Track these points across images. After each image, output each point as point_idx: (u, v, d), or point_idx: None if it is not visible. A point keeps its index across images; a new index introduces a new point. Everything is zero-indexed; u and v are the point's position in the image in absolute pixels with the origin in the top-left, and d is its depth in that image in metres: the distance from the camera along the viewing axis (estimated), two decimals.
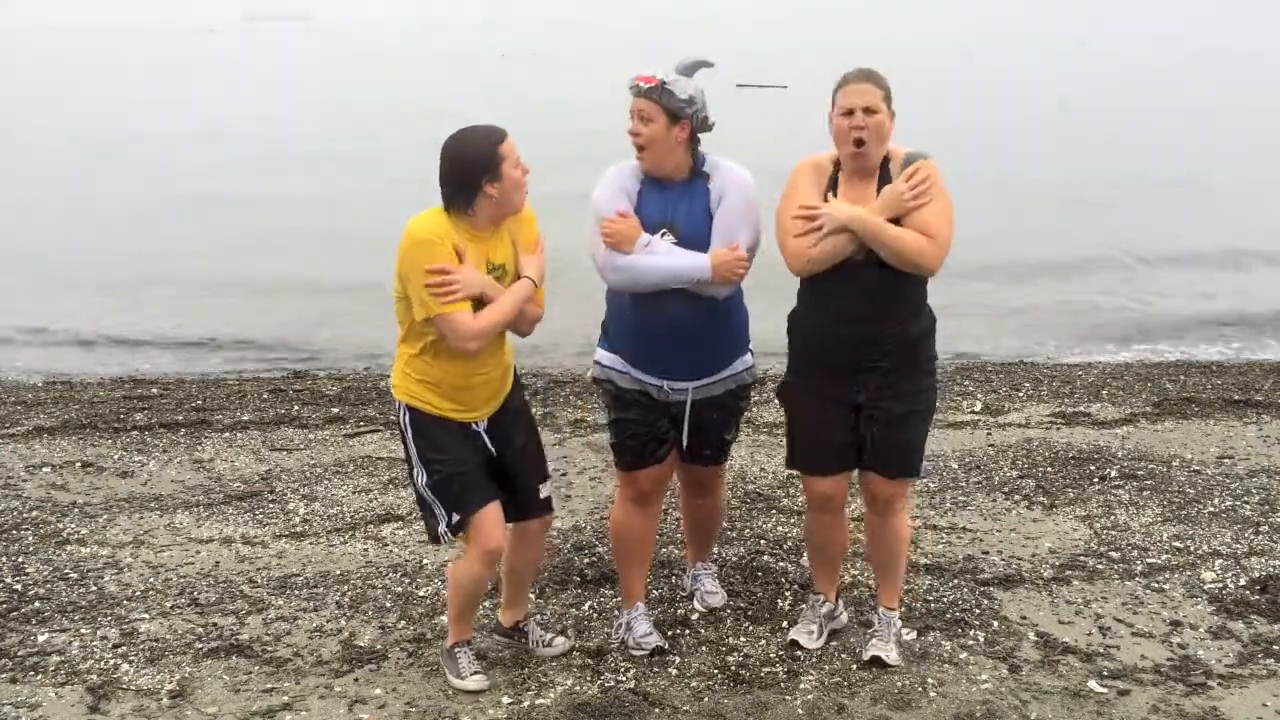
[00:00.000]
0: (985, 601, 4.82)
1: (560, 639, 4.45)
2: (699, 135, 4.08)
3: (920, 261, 3.89)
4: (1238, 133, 22.16)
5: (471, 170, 3.80)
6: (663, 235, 4.06)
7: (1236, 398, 7.99)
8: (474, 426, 4.04)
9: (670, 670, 4.28)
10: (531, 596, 4.83)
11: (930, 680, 4.19)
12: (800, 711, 3.99)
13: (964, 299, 11.18)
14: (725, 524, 5.25)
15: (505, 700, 4.09)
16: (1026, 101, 25.55)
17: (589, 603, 4.85)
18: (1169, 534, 5.54)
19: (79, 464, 6.74)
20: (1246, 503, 5.93)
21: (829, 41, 39.37)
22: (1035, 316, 11.34)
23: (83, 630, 4.64)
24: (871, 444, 4.14)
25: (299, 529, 5.75)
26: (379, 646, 4.50)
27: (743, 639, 4.52)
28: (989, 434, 7.15)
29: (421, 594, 4.95)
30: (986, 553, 5.33)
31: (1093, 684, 4.19)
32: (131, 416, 7.77)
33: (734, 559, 5.23)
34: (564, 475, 6.38)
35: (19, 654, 4.45)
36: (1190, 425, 7.32)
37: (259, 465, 6.75)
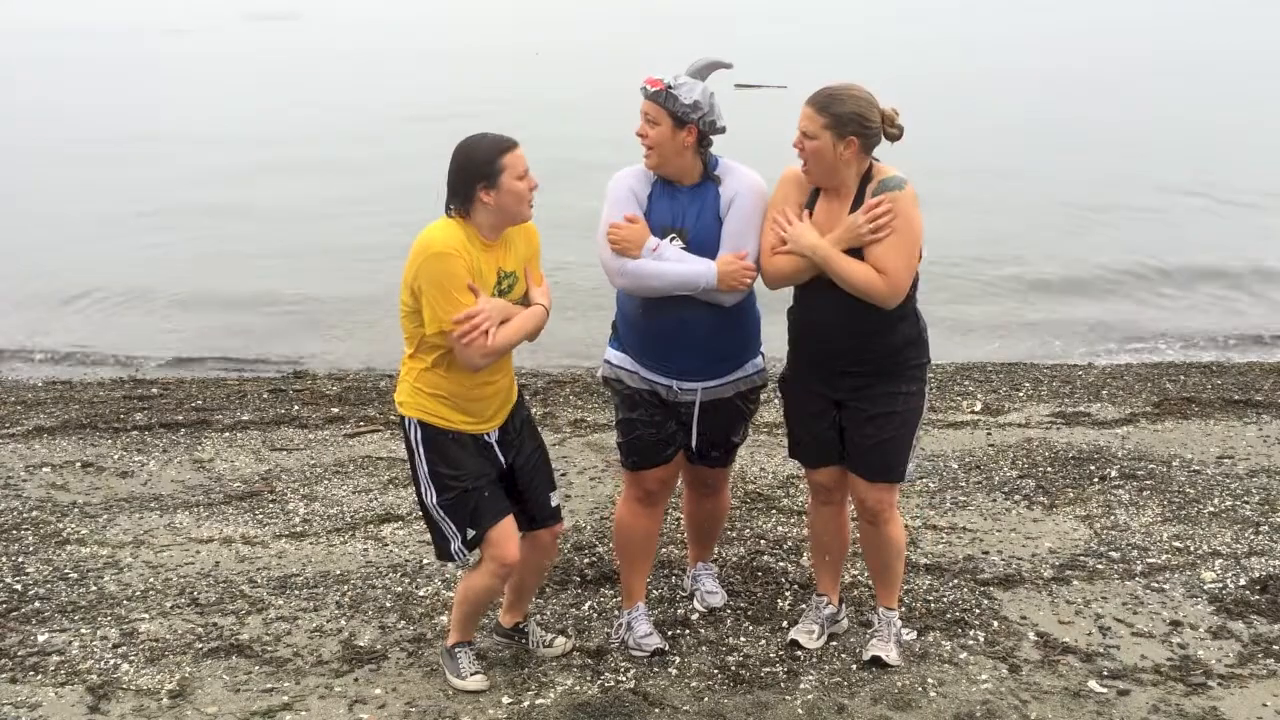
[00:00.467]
0: (985, 601, 4.82)
1: (560, 639, 4.45)
2: (709, 139, 4.07)
3: (869, 295, 3.90)
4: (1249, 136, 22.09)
5: (469, 176, 3.78)
6: (671, 240, 4.04)
7: (1236, 398, 7.99)
8: (486, 438, 4.02)
9: (670, 670, 4.28)
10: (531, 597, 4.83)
11: (930, 680, 4.19)
12: (800, 711, 3.99)
13: (976, 312, 11.11)
14: (725, 524, 5.25)
15: (505, 700, 4.09)
16: (1036, 106, 25.57)
17: (589, 603, 4.85)
18: (1169, 534, 5.54)
19: (79, 464, 6.74)
20: (1246, 503, 5.93)
21: (841, 44, 39.38)
22: (1044, 327, 11.24)
23: (83, 630, 4.64)
24: (850, 443, 4.16)
25: (299, 529, 5.75)
26: (379, 646, 4.50)
27: (743, 639, 4.52)
28: (989, 434, 7.15)
29: (421, 594, 4.95)
30: (986, 553, 5.34)
31: (1093, 684, 4.19)
32: (131, 416, 7.77)
33: (734, 559, 5.23)
34: (564, 475, 6.38)
35: (19, 654, 4.46)
36: (1190, 425, 7.32)
37: (259, 465, 6.75)
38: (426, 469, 3.95)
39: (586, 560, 5.24)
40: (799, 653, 4.38)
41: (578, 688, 4.16)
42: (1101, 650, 4.44)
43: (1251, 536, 5.51)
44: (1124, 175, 18.27)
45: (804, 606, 4.64)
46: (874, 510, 4.22)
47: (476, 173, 3.78)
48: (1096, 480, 6.26)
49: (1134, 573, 5.11)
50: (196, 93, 29.43)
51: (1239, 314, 11.64)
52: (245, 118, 24.90)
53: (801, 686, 4.16)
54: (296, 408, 8.07)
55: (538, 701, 4.07)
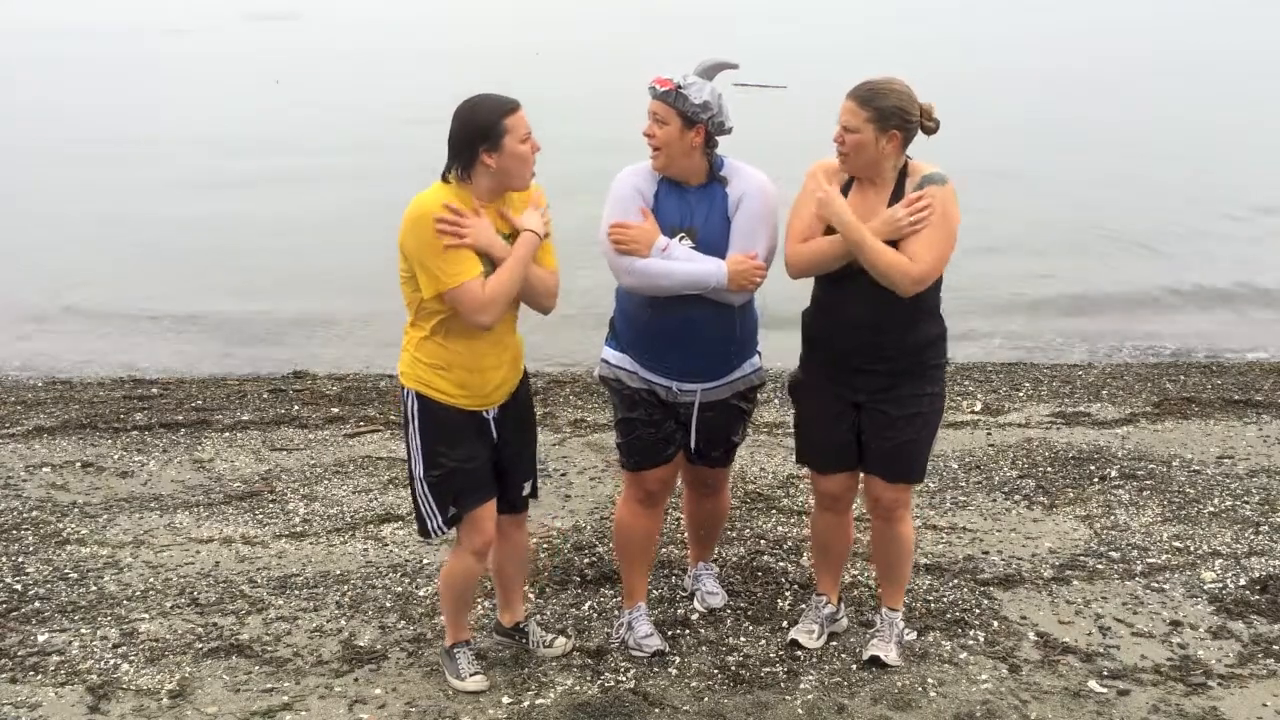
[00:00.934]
0: (985, 601, 4.82)
1: (561, 639, 4.44)
2: (715, 139, 4.06)
3: (894, 279, 3.87)
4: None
5: (472, 136, 3.74)
6: (680, 239, 4.04)
7: (1236, 398, 7.99)
8: (485, 414, 3.99)
9: (670, 670, 4.28)
10: (531, 596, 4.83)
11: (930, 680, 4.19)
12: (800, 711, 4.00)
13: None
14: (725, 524, 5.25)
15: (505, 700, 4.09)
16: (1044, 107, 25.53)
17: (589, 603, 4.85)
18: (1169, 534, 5.54)
19: (79, 464, 6.74)
20: (1246, 503, 5.93)
21: (841, 44, 39.33)
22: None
23: (83, 630, 4.64)
24: (869, 446, 4.15)
25: (299, 529, 5.75)
26: (379, 646, 4.50)
27: (743, 639, 4.52)
28: (989, 434, 7.15)
29: (421, 594, 4.95)
30: (986, 553, 5.34)
31: (1093, 684, 4.19)
32: (131, 416, 7.77)
33: (734, 559, 5.23)
34: (564, 475, 6.38)
35: (19, 654, 4.46)
36: (1190, 425, 7.32)
37: (259, 465, 6.75)
38: (419, 441, 3.94)
39: (586, 560, 5.24)
40: (799, 653, 4.38)
41: (578, 688, 4.16)
42: (1101, 650, 4.44)
43: (1251, 536, 5.51)
44: (1124, 175, 18.25)
45: (804, 606, 4.64)
46: (889, 508, 4.23)
47: (479, 134, 3.73)
48: (1096, 480, 6.26)
49: (1134, 573, 5.11)
50: (197, 93, 29.40)
51: (1239, 313, 11.63)
52: (245, 117, 24.87)
53: (801, 686, 4.16)
54: (296, 408, 8.07)
55: (538, 701, 4.07)
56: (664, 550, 5.28)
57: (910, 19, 50.33)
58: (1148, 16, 50.20)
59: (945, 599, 4.84)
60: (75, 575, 5.17)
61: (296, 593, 4.99)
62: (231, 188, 17.47)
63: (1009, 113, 23.90)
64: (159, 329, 11.17)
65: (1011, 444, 6.91)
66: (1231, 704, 4.09)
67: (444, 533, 4.03)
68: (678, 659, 4.36)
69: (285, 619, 4.74)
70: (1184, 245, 14.19)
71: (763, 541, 5.45)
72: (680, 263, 3.99)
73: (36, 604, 4.89)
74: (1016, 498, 6.03)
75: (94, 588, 5.04)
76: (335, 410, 7.96)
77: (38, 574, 5.19)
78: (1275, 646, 4.48)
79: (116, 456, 6.90)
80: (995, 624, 4.63)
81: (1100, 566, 5.17)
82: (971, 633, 4.55)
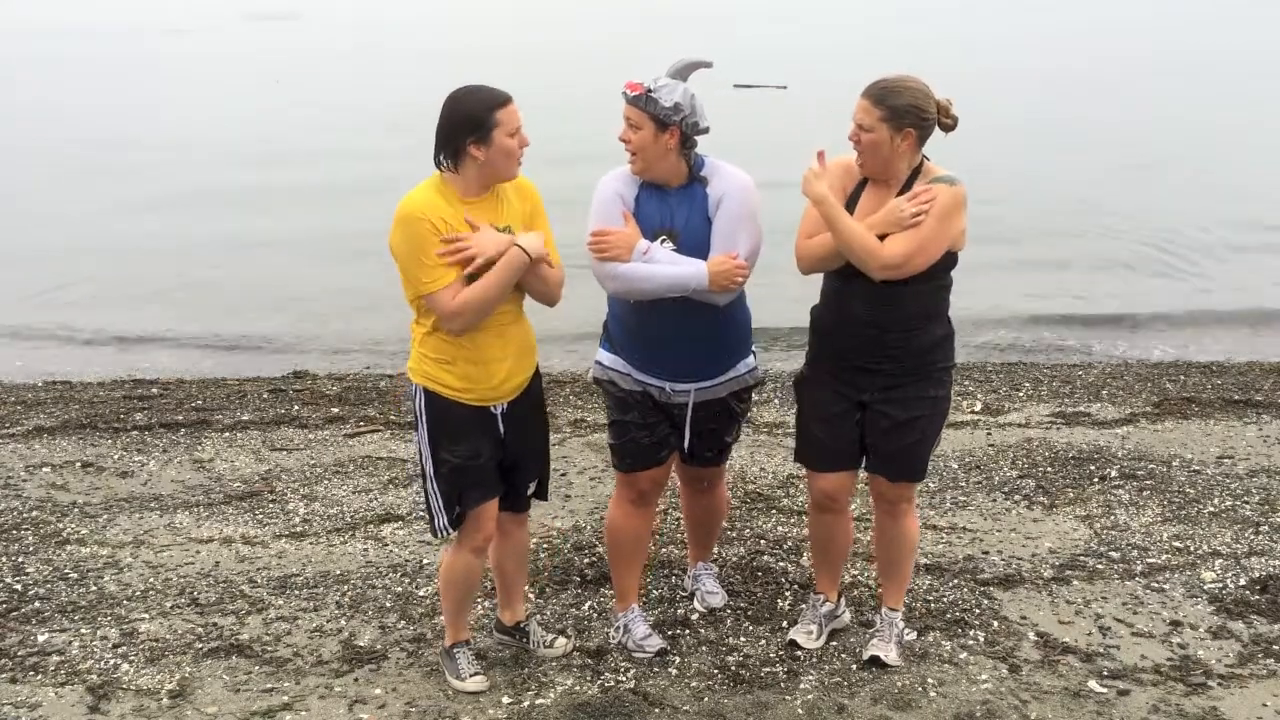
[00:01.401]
0: (985, 601, 4.82)
1: (561, 639, 4.45)
2: (693, 140, 4.05)
3: (859, 262, 3.88)
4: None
5: (460, 128, 3.73)
6: (662, 241, 4.04)
7: (1236, 398, 7.99)
8: (492, 410, 3.99)
9: (670, 670, 4.28)
10: (531, 596, 4.83)
11: (930, 680, 4.19)
12: (800, 711, 4.00)
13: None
14: (725, 524, 5.25)
15: (505, 700, 4.09)
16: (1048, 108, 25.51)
17: (589, 603, 4.85)
18: (1169, 534, 5.54)
19: (79, 464, 6.74)
20: (1246, 503, 5.93)
21: (841, 44, 39.32)
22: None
23: (83, 630, 4.64)
24: (874, 446, 4.15)
25: (299, 529, 5.75)
26: (379, 646, 4.50)
27: (743, 639, 4.52)
28: (989, 434, 7.15)
29: (421, 594, 4.95)
30: (986, 553, 5.34)
31: (1093, 684, 4.19)
32: (131, 416, 7.77)
33: (734, 559, 5.23)
34: (564, 475, 6.38)
35: (19, 654, 4.46)
36: (1190, 425, 7.32)
37: (259, 465, 6.75)
38: (427, 437, 3.96)
39: (586, 560, 5.24)
40: (799, 653, 4.38)
41: (578, 688, 4.16)
42: (1101, 650, 4.44)
43: (1251, 536, 5.51)
44: (1124, 175, 18.25)
45: (803, 606, 4.64)
46: (893, 502, 4.25)
47: (468, 126, 3.72)
48: (1096, 480, 6.26)
49: (1134, 573, 5.11)
50: (197, 93, 29.40)
51: (1240, 314, 11.62)
52: (245, 117, 24.88)
53: (801, 686, 4.16)
54: (296, 408, 8.07)
55: (538, 701, 4.07)
56: (664, 550, 5.28)
57: (910, 19, 50.29)
58: (1148, 16, 50.17)
59: (945, 599, 4.84)
60: (75, 575, 5.17)
61: (296, 593, 4.99)
62: (232, 187, 17.46)
63: (1009, 113, 23.86)
64: (160, 329, 11.18)
65: (1011, 444, 6.91)
66: (1231, 704, 4.09)
67: (449, 533, 4.03)
68: (678, 659, 4.36)
69: (285, 619, 4.74)
70: (1184, 245, 14.19)
71: (763, 541, 5.45)
72: (661, 266, 3.98)
73: (36, 604, 4.89)
74: (1016, 498, 6.03)
75: (94, 588, 5.04)
76: (335, 410, 7.97)
77: (38, 574, 5.19)
78: (1275, 646, 4.48)
79: (116, 456, 6.90)
80: (995, 624, 4.63)
81: (1100, 566, 5.17)
82: (971, 633, 4.55)
